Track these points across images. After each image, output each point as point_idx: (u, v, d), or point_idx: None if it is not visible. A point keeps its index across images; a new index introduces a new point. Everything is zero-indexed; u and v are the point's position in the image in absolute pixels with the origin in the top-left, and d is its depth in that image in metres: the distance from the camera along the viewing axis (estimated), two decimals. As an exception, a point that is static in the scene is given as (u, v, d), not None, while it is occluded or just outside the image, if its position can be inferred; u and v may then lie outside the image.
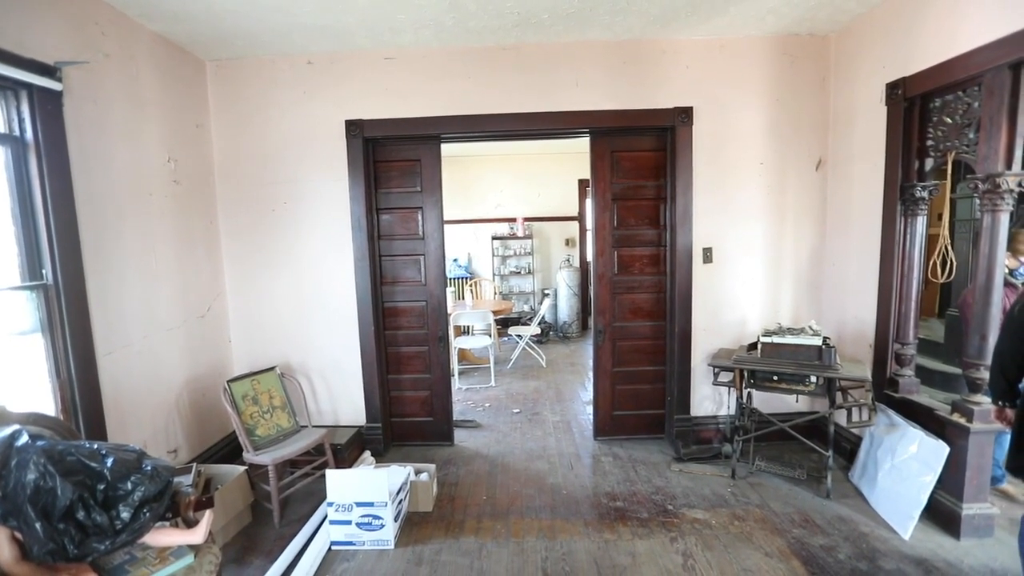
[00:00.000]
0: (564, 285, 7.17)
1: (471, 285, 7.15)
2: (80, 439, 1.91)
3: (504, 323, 7.28)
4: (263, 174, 3.27)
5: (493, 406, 4.39)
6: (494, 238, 7.46)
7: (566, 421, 3.99)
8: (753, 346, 2.91)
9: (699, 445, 3.34)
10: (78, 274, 2.18)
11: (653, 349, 3.47)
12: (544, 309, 5.90)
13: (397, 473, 2.65)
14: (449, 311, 5.19)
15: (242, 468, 2.67)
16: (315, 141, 3.23)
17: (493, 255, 7.51)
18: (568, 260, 7.50)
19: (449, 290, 5.75)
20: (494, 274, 7.54)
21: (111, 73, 2.43)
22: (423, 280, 3.45)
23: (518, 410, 4.26)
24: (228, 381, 2.76)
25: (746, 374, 2.84)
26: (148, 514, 1.64)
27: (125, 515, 1.58)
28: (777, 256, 3.27)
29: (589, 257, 8.07)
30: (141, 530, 1.63)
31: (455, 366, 5.10)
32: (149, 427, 2.63)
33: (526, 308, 7.67)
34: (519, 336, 5.76)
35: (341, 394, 3.45)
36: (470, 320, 5.06)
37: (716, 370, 3.00)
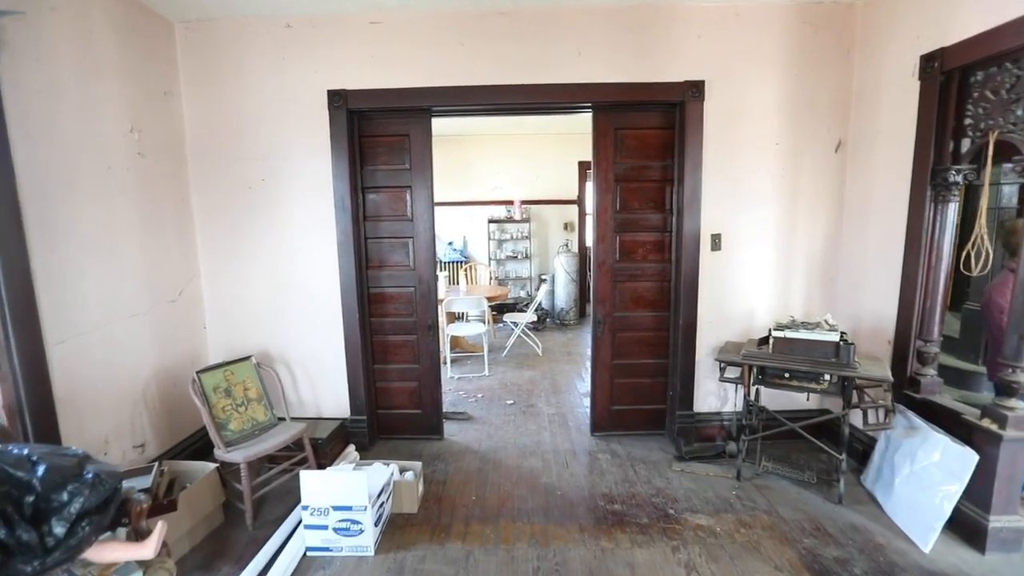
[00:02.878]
0: (562, 271, 6.96)
1: (466, 269, 6.93)
2: (15, 441, 1.72)
3: (500, 309, 7.09)
4: (239, 148, 3.02)
5: (486, 397, 4.22)
6: (490, 221, 7.22)
7: (562, 414, 3.81)
8: (764, 340, 2.72)
9: (702, 443, 3.17)
10: (20, 252, 1.96)
11: (655, 341, 3.28)
12: (541, 296, 5.70)
13: (379, 472, 2.47)
14: (442, 296, 5.00)
15: (213, 465, 2.48)
16: (295, 113, 2.98)
17: (489, 239, 7.27)
18: (566, 245, 7.28)
19: (443, 275, 5.55)
20: (490, 258, 7.32)
21: (59, 29, 2.17)
22: (411, 264, 3.23)
23: (512, 401, 4.08)
24: (198, 372, 2.56)
25: (755, 370, 2.66)
26: (88, 528, 1.44)
27: (59, 530, 1.39)
28: (789, 244, 3.06)
29: (589, 242, 7.87)
30: (79, 546, 1.44)
31: (447, 354, 4.91)
32: (112, 421, 2.43)
33: (522, 294, 7.47)
34: (515, 323, 5.57)
35: (324, 385, 3.25)
36: (463, 307, 4.86)
37: (722, 365, 2.81)
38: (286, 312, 3.17)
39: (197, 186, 3.05)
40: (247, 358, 2.81)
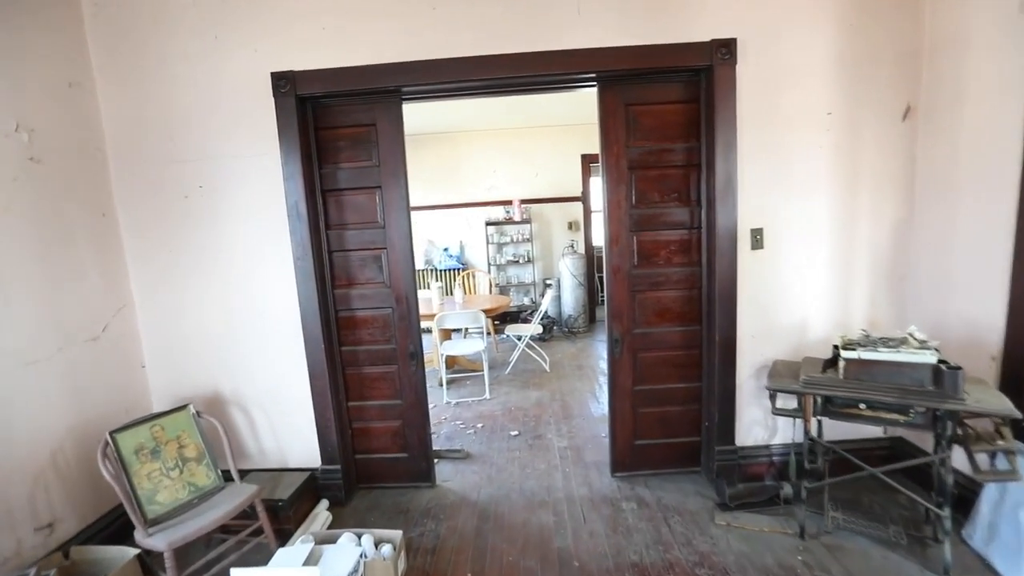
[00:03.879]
0: (568, 274, 6.40)
1: (463, 277, 6.38)
2: None
3: (503, 318, 6.55)
4: (170, 149, 2.49)
5: (487, 426, 3.66)
6: (488, 224, 6.68)
7: (576, 447, 3.25)
8: (830, 363, 2.14)
9: (748, 484, 2.59)
10: None
11: (685, 361, 2.71)
12: (546, 303, 5.14)
13: (344, 554, 1.92)
14: (435, 311, 4.46)
15: (134, 551, 1.95)
16: (234, 102, 2.45)
17: (488, 243, 6.73)
18: (572, 246, 6.72)
19: (436, 285, 5.01)
20: (489, 264, 6.78)
21: None
22: (386, 281, 2.68)
23: (516, 432, 3.52)
24: (112, 432, 2.01)
25: (819, 400, 2.08)
26: None
27: None
28: (848, 236, 2.48)
29: (597, 242, 7.29)
30: None
31: (443, 375, 4.37)
32: (1, 503, 1.90)
33: (526, 301, 6.92)
34: (518, 337, 5.01)
35: (288, 429, 2.71)
36: (457, 322, 4.31)
37: (774, 394, 2.23)
38: (239, 344, 2.64)
39: (123, 197, 2.53)
40: (184, 407, 2.27)
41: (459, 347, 4.44)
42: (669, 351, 2.70)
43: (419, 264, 6.82)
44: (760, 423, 2.64)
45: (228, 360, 2.65)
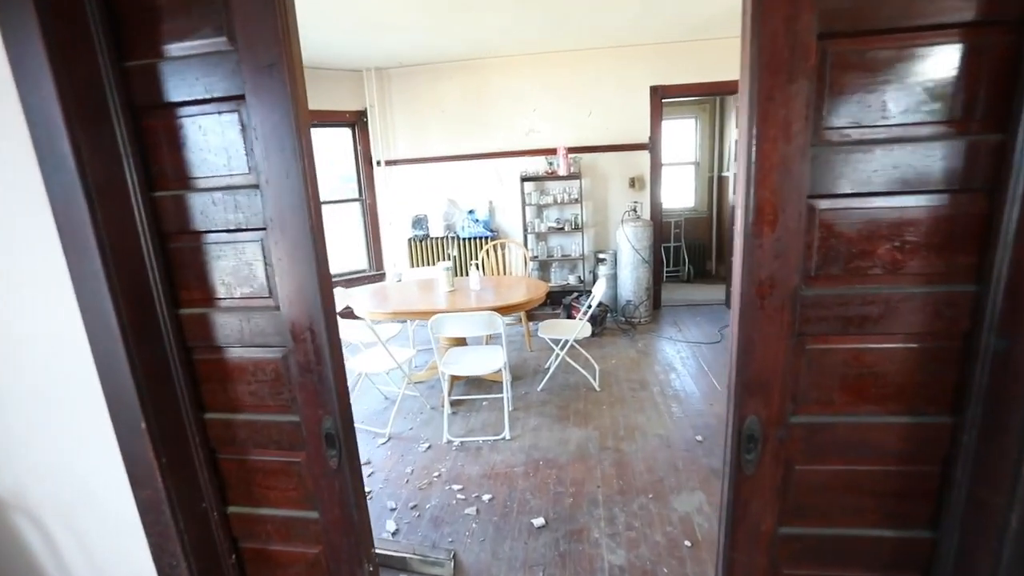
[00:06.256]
0: (627, 247, 4.87)
1: (491, 249, 4.98)
2: None
3: (552, 297, 5.15)
4: None
5: (498, 500, 2.35)
6: (524, 179, 5.18)
7: (643, 569, 1.88)
8: None
9: None
10: None
11: (900, 488, 1.23)
12: (599, 295, 3.67)
13: None
14: (442, 305, 3.17)
15: None
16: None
17: (524, 204, 5.26)
18: (635, 210, 5.14)
19: (444, 265, 3.66)
20: (526, 231, 5.32)
21: None
22: (268, 291, 1.34)
23: (542, 521, 2.19)
24: None
25: None
26: None
27: None
28: None
29: (668, 204, 5.66)
30: None
31: (445, 396, 3.07)
32: None
33: (572, 280, 5.46)
34: (554, 341, 3.61)
35: (113, 560, 1.50)
36: (460, 328, 2.95)
37: None
38: (12, 410, 1.41)
39: None
40: None
41: (467, 363, 3.09)
42: (866, 464, 1.23)
43: (438, 231, 5.47)
44: (1089, 647, 1.15)
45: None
